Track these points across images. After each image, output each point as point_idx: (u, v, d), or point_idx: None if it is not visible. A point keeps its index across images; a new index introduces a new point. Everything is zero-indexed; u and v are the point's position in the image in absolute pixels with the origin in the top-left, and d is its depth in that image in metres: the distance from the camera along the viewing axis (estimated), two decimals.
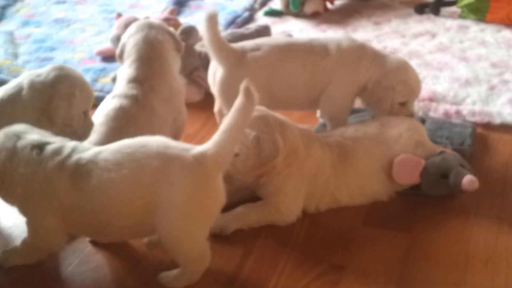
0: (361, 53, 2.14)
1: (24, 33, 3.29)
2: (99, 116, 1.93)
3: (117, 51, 2.12)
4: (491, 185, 2.03)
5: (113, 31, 2.89)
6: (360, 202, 1.96)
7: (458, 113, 2.43)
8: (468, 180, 1.90)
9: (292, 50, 2.14)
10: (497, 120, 2.39)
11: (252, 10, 3.51)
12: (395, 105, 2.11)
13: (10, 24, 3.40)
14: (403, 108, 2.12)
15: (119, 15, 2.99)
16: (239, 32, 2.88)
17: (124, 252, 1.78)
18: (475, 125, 2.35)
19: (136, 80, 2.00)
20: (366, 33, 3.21)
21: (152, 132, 1.71)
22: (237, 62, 2.08)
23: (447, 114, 2.43)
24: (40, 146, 1.62)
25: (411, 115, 2.13)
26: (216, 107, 2.27)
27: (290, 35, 2.86)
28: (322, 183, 1.91)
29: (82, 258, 1.76)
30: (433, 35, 3.17)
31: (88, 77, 2.69)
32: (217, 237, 1.80)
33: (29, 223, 1.67)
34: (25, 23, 3.41)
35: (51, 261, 1.75)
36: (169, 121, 2.03)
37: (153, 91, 1.99)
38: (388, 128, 2.03)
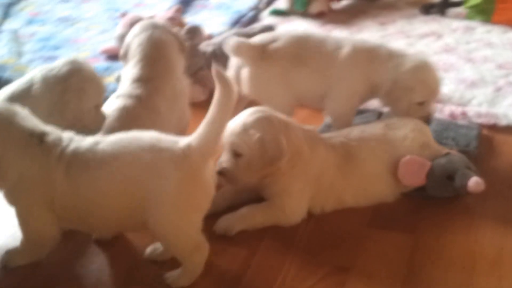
0: (372, 54, 2.13)
1: (28, 31, 3.28)
2: None
3: (121, 52, 2.12)
4: (497, 187, 2.02)
5: (118, 30, 2.89)
6: (365, 204, 1.95)
7: (464, 114, 2.42)
8: (474, 182, 1.89)
9: (307, 41, 2.16)
10: (503, 122, 2.38)
11: (257, 10, 3.51)
12: (413, 105, 2.09)
13: (14, 23, 3.39)
14: (421, 108, 2.09)
15: (124, 14, 2.99)
16: (244, 32, 2.87)
17: (128, 253, 1.77)
18: (481, 126, 2.34)
19: (140, 80, 2.01)
20: (371, 33, 3.20)
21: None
22: (261, 56, 2.12)
23: (453, 115, 2.41)
24: (39, 136, 1.61)
25: (428, 115, 2.11)
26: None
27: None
28: (327, 184, 1.91)
29: (86, 259, 1.75)
30: (439, 36, 3.16)
31: None
32: (222, 238, 1.80)
33: (19, 214, 1.66)
34: (30, 22, 3.41)
35: (54, 262, 1.74)
36: (173, 121, 2.03)
37: (157, 91, 2.00)
38: (394, 129, 2.02)
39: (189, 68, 2.29)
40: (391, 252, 1.77)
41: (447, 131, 2.24)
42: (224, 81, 1.53)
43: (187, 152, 1.57)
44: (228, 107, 1.56)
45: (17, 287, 1.68)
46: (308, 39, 2.18)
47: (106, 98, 1.98)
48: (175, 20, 2.92)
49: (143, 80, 2.01)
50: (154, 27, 2.10)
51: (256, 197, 1.91)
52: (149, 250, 1.75)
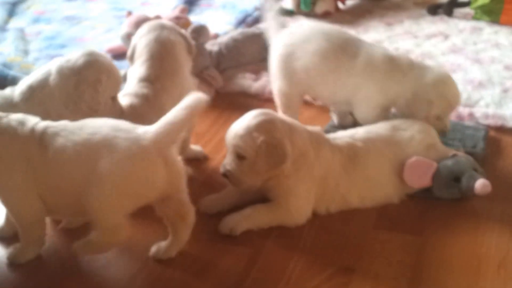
0: (393, 65, 2.09)
1: (34, 30, 3.29)
2: None
3: (128, 52, 2.12)
4: (504, 189, 2.01)
5: (124, 29, 2.88)
6: (370, 204, 1.94)
7: (471, 115, 2.40)
8: (481, 184, 1.88)
9: (328, 34, 2.15)
10: (511, 123, 2.36)
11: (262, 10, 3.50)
12: (431, 117, 2.07)
13: (20, 21, 3.40)
14: (438, 121, 2.08)
15: (130, 13, 2.99)
16: (250, 32, 2.87)
17: (134, 250, 1.77)
18: (488, 128, 2.32)
19: (147, 79, 2.01)
20: (377, 33, 3.18)
21: None
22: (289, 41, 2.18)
23: (460, 116, 2.40)
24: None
25: (445, 128, 2.10)
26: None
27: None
28: (333, 185, 1.90)
29: (90, 257, 1.74)
30: (446, 37, 3.15)
31: None
32: (226, 238, 1.80)
33: (4, 201, 1.67)
34: (36, 20, 3.42)
35: (59, 260, 1.75)
36: None
37: (164, 90, 2.00)
38: (400, 130, 2.01)
39: (195, 67, 2.28)
40: (397, 254, 1.76)
41: (454, 132, 2.23)
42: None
43: (142, 136, 1.59)
44: (196, 112, 1.63)
45: (22, 285, 1.68)
46: (328, 33, 2.15)
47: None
48: (181, 19, 2.91)
49: (150, 79, 2.01)
50: (162, 27, 2.09)
51: (261, 197, 1.90)
52: (154, 249, 1.74)
